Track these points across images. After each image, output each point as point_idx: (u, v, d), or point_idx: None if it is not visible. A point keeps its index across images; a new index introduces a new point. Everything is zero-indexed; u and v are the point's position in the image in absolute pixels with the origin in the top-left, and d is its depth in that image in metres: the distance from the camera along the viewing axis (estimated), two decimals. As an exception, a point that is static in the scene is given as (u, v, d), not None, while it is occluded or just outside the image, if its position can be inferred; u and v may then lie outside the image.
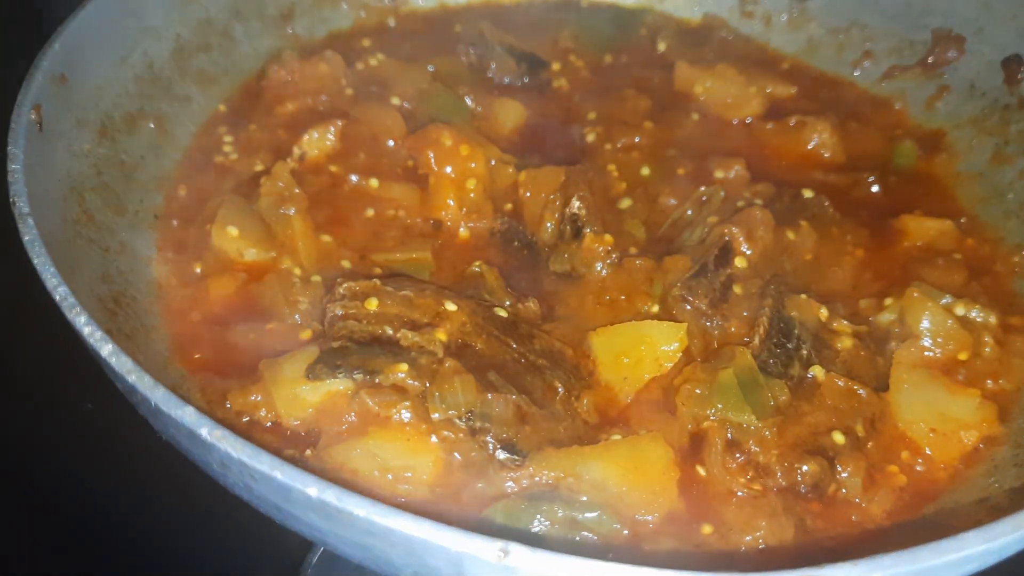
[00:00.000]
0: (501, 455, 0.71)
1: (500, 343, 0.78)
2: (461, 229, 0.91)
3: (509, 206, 0.94)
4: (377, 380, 0.72)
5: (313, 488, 0.51)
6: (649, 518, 0.68)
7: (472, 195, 0.92)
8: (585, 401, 0.76)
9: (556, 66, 1.13)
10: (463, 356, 0.75)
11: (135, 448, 1.00)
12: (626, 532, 0.68)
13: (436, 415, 0.71)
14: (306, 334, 0.80)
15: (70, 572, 0.99)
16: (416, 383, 0.72)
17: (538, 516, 0.67)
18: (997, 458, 0.75)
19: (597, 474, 0.68)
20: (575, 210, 0.89)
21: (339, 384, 0.73)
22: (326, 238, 0.90)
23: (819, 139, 1.01)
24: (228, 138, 0.99)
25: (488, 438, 0.71)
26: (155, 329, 0.81)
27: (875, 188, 0.97)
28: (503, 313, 0.80)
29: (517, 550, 0.49)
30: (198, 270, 0.86)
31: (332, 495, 0.50)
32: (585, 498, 0.68)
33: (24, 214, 0.67)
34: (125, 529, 1.00)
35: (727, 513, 0.70)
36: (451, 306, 0.78)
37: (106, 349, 0.58)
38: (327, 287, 0.82)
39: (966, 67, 1.04)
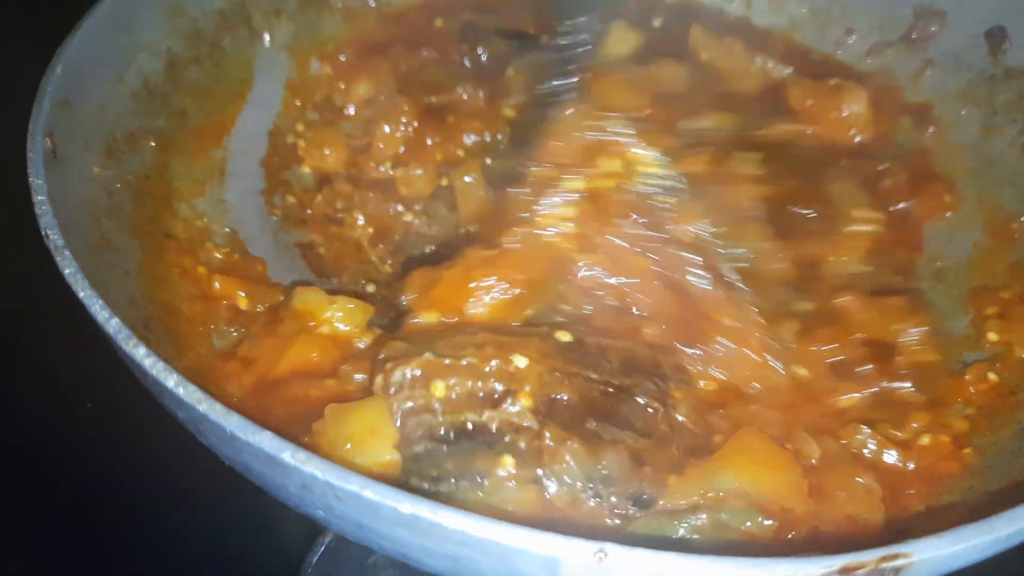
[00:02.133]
0: (632, 510, 0.67)
1: (582, 380, 0.72)
2: None
3: None
4: (487, 483, 0.67)
5: (406, 504, 0.51)
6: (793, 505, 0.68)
7: None
8: (683, 411, 0.73)
9: (545, 38, 1.13)
10: (555, 416, 0.69)
11: (134, 448, 1.01)
12: (769, 523, 0.68)
13: (555, 494, 0.66)
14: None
15: (68, 570, 0.99)
16: (527, 471, 0.67)
17: (682, 526, 0.66)
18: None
19: (732, 483, 0.68)
20: None
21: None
22: None
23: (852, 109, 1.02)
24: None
25: (614, 499, 0.67)
26: (184, 353, 0.80)
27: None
28: (567, 337, 0.75)
29: (615, 551, 0.50)
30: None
31: (427, 510, 0.51)
32: (733, 504, 0.67)
33: (60, 247, 0.66)
34: (125, 529, 1.00)
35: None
36: (521, 361, 0.71)
37: (172, 380, 0.57)
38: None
39: (949, 41, 1.07)
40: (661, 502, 0.67)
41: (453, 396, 0.70)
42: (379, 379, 0.71)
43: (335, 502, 0.54)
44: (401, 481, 0.67)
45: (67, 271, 0.64)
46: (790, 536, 0.67)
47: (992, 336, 0.85)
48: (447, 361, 0.71)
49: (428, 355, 0.71)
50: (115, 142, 0.89)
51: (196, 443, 0.63)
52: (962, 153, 1.02)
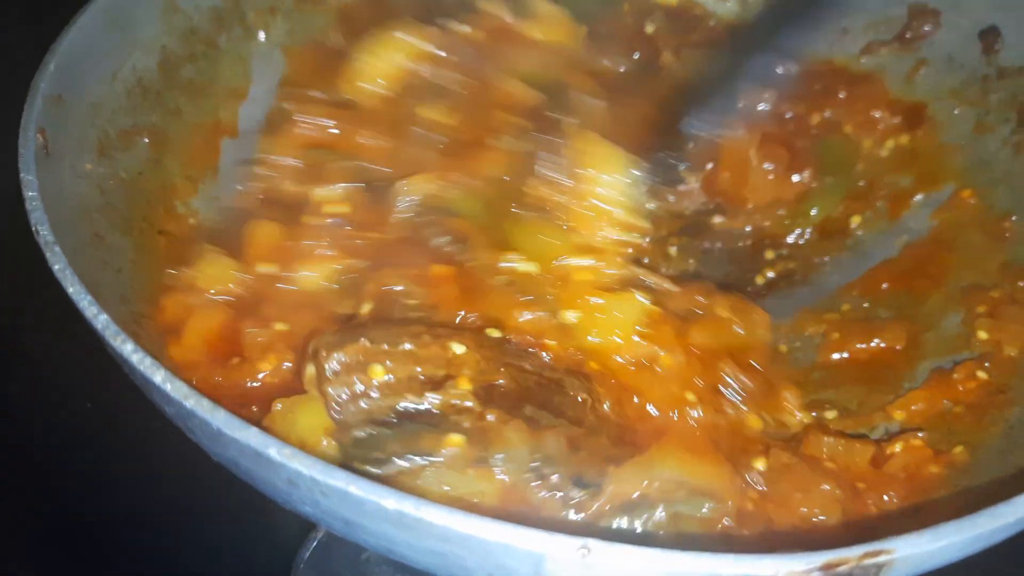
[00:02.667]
0: (576, 493, 0.68)
1: (518, 369, 0.74)
2: None
3: None
4: (435, 460, 0.67)
5: (390, 500, 0.51)
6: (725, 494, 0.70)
7: None
8: (607, 402, 0.75)
9: None
10: (494, 400, 0.70)
11: (129, 446, 1.02)
12: (730, 504, 0.69)
13: (505, 477, 0.67)
14: None
15: (66, 569, 0.99)
16: (475, 451, 0.67)
17: (640, 521, 0.67)
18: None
19: (674, 472, 0.69)
20: None
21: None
22: None
23: None
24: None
25: (555, 479, 0.68)
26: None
27: None
28: (496, 333, 0.76)
29: (598, 547, 0.50)
30: None
31: (411, 505, 0.51)
32: (679, 495, 0.69)
33: (50, 242, 0.66)
34: (121, 527, 1.01)
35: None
36: (458, 347, 0.72)
37: (159, 376, 0.58)
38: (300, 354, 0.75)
39: (943, 40, 1.07)
40: (609, 487, 0.68)
41: (392, 379, 0.70)
42: (310, 368, 0.71)
43: (321, 498, 0.54)
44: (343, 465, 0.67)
45: (56, 267, 0.65)
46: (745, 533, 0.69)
47: (982, 335, 0.85)
48: (384, 346, 0.71)
49: (364, 341, 0.71)
50: (108, 139, 0.89)
51: (190, 441, 0.63)
52: (955, 152, 1.02)
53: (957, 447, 0.78)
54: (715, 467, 0.70)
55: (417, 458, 0.67)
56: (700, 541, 0.67)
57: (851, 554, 0.50)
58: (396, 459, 0.67)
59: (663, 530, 0.67)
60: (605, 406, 0.75)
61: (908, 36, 1.09)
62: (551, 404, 0.73)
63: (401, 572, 0.98)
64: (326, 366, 0.70)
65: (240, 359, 0.77)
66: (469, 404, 0.70)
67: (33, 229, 0.68)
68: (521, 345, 0.76)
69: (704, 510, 0.68)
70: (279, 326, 0.77)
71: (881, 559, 0.50)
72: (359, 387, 0.70)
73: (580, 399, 0.74)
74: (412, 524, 0.52)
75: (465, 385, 0.71)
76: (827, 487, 0.71)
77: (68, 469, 1.03)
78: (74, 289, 0.63)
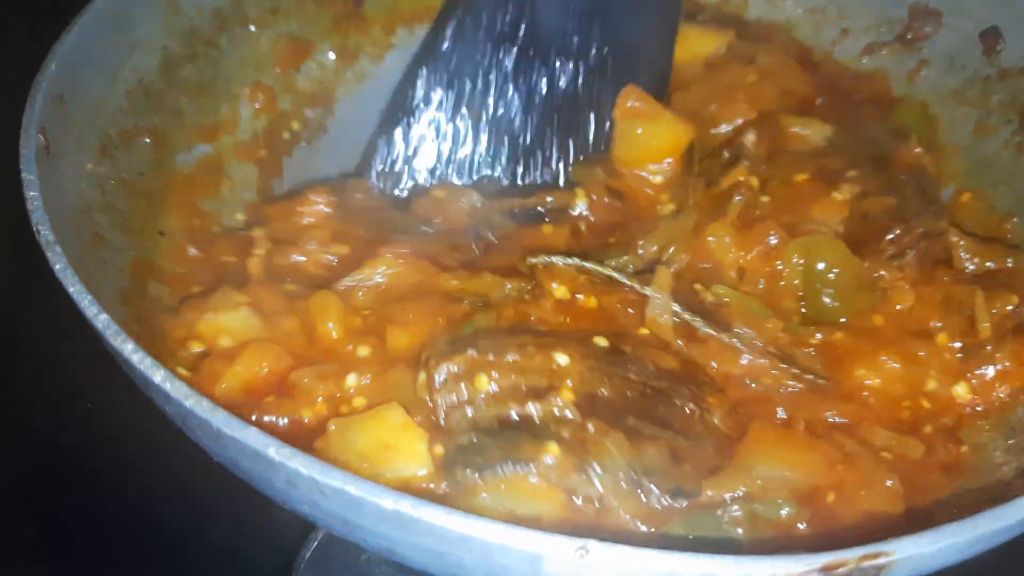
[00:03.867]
0: (669, 501, 0.67)
1: (621, 380, 0.73)
2: None
3: None
4: (533, 468, 0.67)
5: (388, 500, 0.51)
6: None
7: None
8: (718, 414, 0.74)
9: None
10: (596, 410, 0.70)
11: (129, 447, 1.02)
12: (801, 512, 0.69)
13: (601, 488, 0.67)
14: None
15: (66, 568, 0.99)
16: (573, 460, 0.67)
17: (716, 520, 0.67)
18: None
19: (770, 471, 0.69)
20: None
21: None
22: None
23: None
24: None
25: (653, 488, 0.67)
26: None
27: None
28: (604, 342, 0.76)
29: (596, 547, 0.50)
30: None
31: (408, 505, 0.51)
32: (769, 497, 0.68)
33: (51, 242, 0.66)
34: (117, 525, 1.01)
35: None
36: (562, 358, 0.72)
37: (159, 376, 0.58)
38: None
39: (944, 41, 1.07)
40: (708, 493, 0.68)
41: (497, 389, 0.71)
42: (421, 376, 0.73)
43: (320, 498, 0.54)
44: (447, 471, 0.68)
45: (57, 266, 0.65)
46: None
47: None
48: (491, 357, 0.72)
49: (471, 352, 0.73)
50: (110, 139, 0.89)
51: (191, 441, 0.63)
52: (956, 153, 1.02)
53: (963, 447, 0.78)
54: (810, 452, 0.70)
55: (516, 465, 0.67)
56: (705, 544, 0.67)
57: (850, 556, 0.50)
58: (497, 466, 0.68)
59: (740, 527, 0.67)
60: (715, 419, 0.74)
61: (909, 37, 1.09)
62: (656, 415, 0.72)
63: (401, 573, 0.98)
64: (435, 375, 0.72)
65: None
66: (571, 416, 0.70)
67: (34, 229, 0.68)
68: (630, 355, 0.76)
69: (782, 513, 0.68)
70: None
71: (881, 561, 0.50)
72: (465, 395, 0.71)
73: (688, 410, 0.73)
74: (410, 524, 0.52)
75: (567, 396, 0.71)
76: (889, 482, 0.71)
77: (68, 469, 1.03)
78: (75, 289, 0.63)
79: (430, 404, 0.72)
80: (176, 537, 1.00)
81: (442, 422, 0.71)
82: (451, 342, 0.74)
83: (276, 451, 0.54)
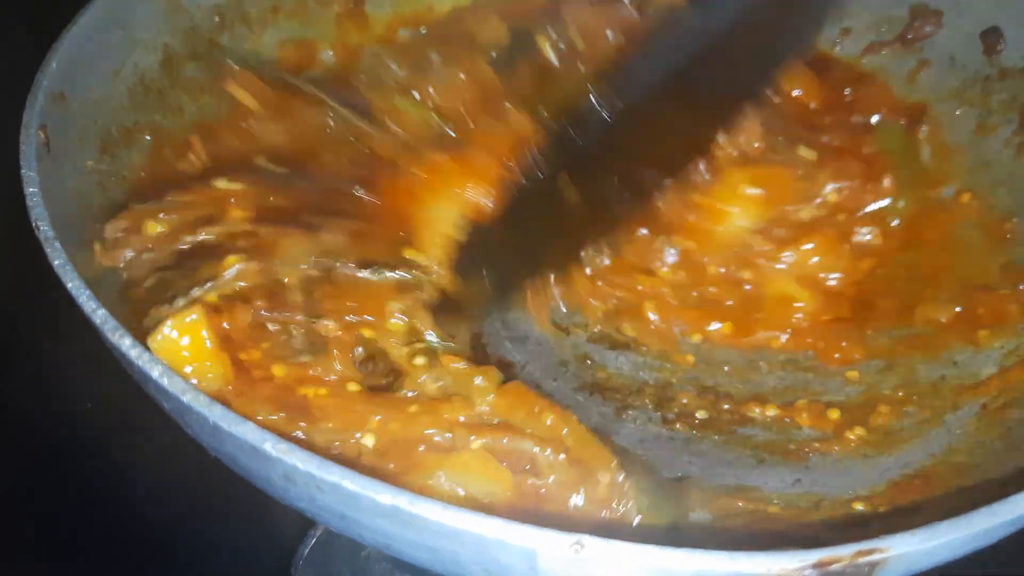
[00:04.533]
0: (367, 274, 0.73)
1: (292, 188, 0.77)
2: None
3: None
4: (220, 284, 0.70)
5: (386, 495, 0.51)
6: None
7: None
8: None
9: None
10: (268, 217, 0.74)
11: (128, 446, 1.02)
12: None
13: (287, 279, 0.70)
14: None
15: (66, 568, 1.00)
16: (255, 264, 0.71)
17: None
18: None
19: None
20: None
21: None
22: None
23: None
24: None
25: (340, 265, 0.72)
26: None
27: None
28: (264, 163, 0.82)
29: (592, 543, 0.50)
30: None
31: (405, 500, 0.51)
32: None
33: (50, 238, 0.67)
34: (116, 524, 1.00)
35: None
36: (223, 184, 0.76)
37: (156, 370, 0.58)
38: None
39: (945, 41, 1.06)
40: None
41: (166, 229, 0.75)
42: (97, 246, 0.76)
43: (317, 493, 0.55)
44: (139, 311, 0.70)
45: (56, 262, 0.65)
46: None
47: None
48: (150, 204, 0.76)
49: (133, 206, 0.77)
50: (110, 137, 0.89)
51: (190, 439, 0.63)
52: (956, 153, 1.02)
53: None
54: None
55: (202, 288, 0.70)
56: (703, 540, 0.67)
57: (844, 552, 0.50)
58: (183, 293, 0.70)
59: None
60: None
61: (910, 37, 1.09)
62: (330, 207, 0.77)
63: (401, 570, 0.98)
64: (106, 238, 0.76)
65: None
66: (243, 228, 0.74)
67: (33, 225, 0.68)
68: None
69: None
70: None
71: (875, 557, 0.50)
72: (138, 245, 0.75)
73: (357, 193, 0.79)
74: (407, 519, 0.52)
75: (237, 213, 0.75)
76: None
77: (67, 469, 1.03)
78: (73, 284, 0.63)
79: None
80: (176, 536, 1.00)
81: (125, 276, 0.74)
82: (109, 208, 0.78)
83: (273, 446, 0.54)
